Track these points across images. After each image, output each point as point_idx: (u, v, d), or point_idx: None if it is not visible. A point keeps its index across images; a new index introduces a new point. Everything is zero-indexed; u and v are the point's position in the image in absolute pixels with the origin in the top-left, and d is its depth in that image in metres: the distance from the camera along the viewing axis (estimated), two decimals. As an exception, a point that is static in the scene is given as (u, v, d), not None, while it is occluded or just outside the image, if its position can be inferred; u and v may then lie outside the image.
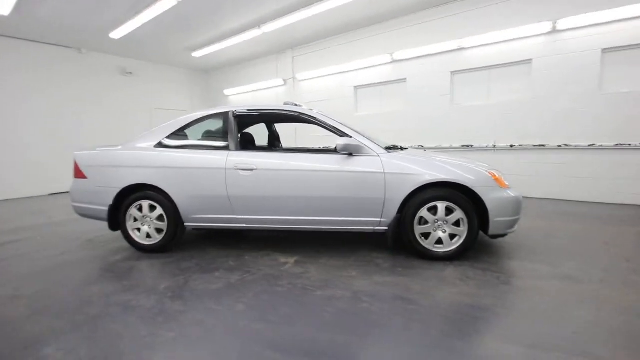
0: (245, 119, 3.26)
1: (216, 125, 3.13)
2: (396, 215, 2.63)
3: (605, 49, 4.60)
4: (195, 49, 7.96)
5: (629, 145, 4.56)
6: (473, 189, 2.53)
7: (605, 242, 3.13)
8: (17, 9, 5.39)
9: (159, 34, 6.87)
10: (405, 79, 6.47)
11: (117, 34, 6.63)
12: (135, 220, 3.03)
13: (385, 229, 2.72)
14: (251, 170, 2.78)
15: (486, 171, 2.65)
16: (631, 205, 4.60)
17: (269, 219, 2.84)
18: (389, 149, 2.86)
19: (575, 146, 4.94)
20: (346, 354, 1.57)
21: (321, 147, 7.34)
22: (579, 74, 4.80)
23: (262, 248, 3.14)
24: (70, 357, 1.58)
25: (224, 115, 3.06)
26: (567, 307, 1.94)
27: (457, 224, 2.61)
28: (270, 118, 3.73)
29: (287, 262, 2.76)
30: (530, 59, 5.14)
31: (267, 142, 4.10)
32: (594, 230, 3.53)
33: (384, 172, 2.62)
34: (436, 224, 2.62)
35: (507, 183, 2.67)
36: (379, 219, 2.70)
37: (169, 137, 3.09)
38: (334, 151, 2.78)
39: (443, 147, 6.09)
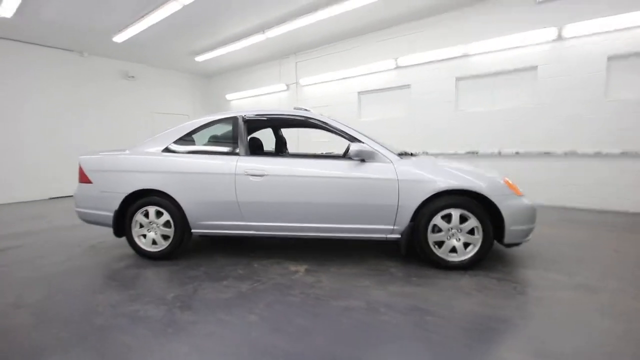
0: (254, 124, 3.22)
1: (225, 130, 3.09)
2: (410, 223, 2.58)
3: (610, 56, 4.61)
4: (198, 53, 7.94)
5: (635, 152, 4.55)
6: (488, 196, 2.48)
7: (615, 250, 3.09)
8: (19, 11, 5.35)
9: (162, 37, 6.85)
10: (410, 85, 6.46)
11: (120, 37, 6.60)
12: (141, 226, 2.96)
13: (398, 237, 2.67)
14: (262, 175, 2.73)
15: (500, 179, 2.61)
16: (637, 213, 4.57)
17: (280, 226, 2.78)
18: (402, 155, 2.82)
19: (581, 153, 4.92)
20: (368, 369, 1.51)
21: (323, 152, 7.31)
22: (585, 81, 4.80)
23: (271, 256, 3.07)
24: (79, 372, 1.51)
25: (233, 120, 3.01)
26: (588, 318, 1.90)
27: (471, 232, 2.56)
28: (279, 123, 3.69)
29: (298, 270, 2.70)
30: (536, 66, 5.15)
31: (274, 147, 4.06)
32: (602, 238, 3.50)
33: (398, 179, 2.57)
34: (450, 232, 2.57)
35: (521, 191, 2.63)
36: (391, 227, 2.65)
37: (177, 142, 3.04)
38: (346, 157, 2.74)
39: (447, 154, 6.06)
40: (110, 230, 3.02)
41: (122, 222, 2.99)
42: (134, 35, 6.50)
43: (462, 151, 5.94)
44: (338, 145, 6.85)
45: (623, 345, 1.65)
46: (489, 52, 5.49)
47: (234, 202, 2.78)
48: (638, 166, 4.57)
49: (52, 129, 7.31)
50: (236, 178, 2.76)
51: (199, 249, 3.33)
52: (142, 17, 5.68)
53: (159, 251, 2.96)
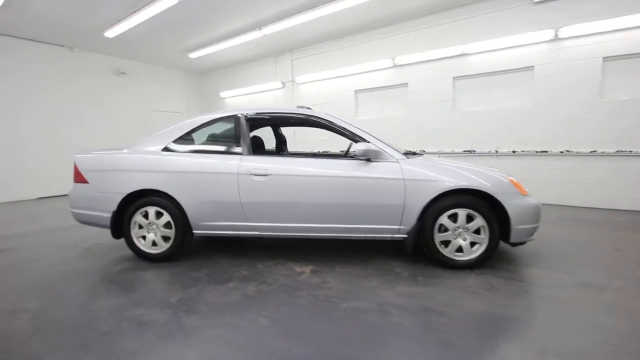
0: (255, 122, 3.16)
1: (226, 128, 3.02)
2: (416, 223, 2.57)
3: (606, 57, 4.68)
4: (192, 49, 7.79)
5: (630, 151, 4.63)
6: (495, 196, 2.49)
7: (616, 249, 3.14)
8: (8, 3, 5.16)
9: (155, 33, 6.69)
10: (407, 83, 6.46)
11: (112, 32, 6.42)
12: (140, 227, 2.88)
13: (404, 237, 2.65)
14: (265, 175, 2.68)
15: (506, 178, 2.62)
16: (632, 210, 4.67)
17: (284, 227, 2.74)
18: (407, 154, 2.80)
19: (577, 152, 5.00)
20: (386, 372, 1.48)
21: (320, 151, 7.27)
22: (581, 82, 4.87)
23: (274, 256, 3.02)
24: (86, 381, 1.45)
25: (235, 118, 2.95)
26: (596, 317, 1.92)
27: (477, 231, 2.56)
28: (281, 121, 3.63)
29: (303, 271, 2.66)
30: (532, 66, 5.20)
31: (273, 145, 4.00)
32: (601, 237, 3.55)
33: (404, 179, 2.56)
34: (456, 232, 2.57)
35: (526, 190, 2.64)
36: (397, 227, 2.63)
37: (177, 140, 2.96)
38: (348, 156, 2.71)
39: (445, 152, 6.09)
40: (106, 231, 2.93)
41: (120, 223, 2.90)
42: (127, 30, 6.33)
43: (459, 150, 5.98)
44: (336, 144, 6.83)
45: (628, 343, 1.67)
46: (486, 51, 5.53)
47: (237, 203, 2.72)
48: (633, 165, 4.66)
49: (40, 126, 7.07)
50: (239, 178, 2.71)
51: (198, 250, 3.26)
52: (136, 11, 5.53)
53: (159, 253, 2.89)
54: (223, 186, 2.72)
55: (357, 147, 2.59)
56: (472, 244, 2.58)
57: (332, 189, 2.63)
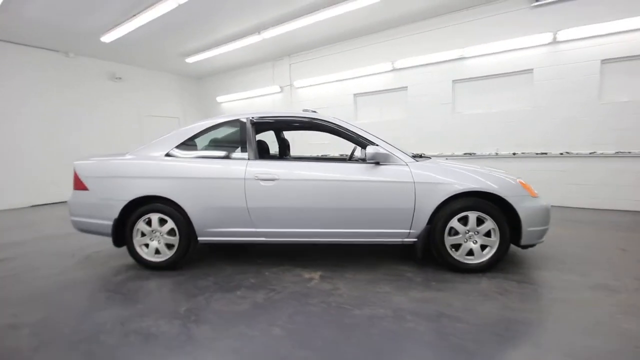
0: (260, 126, 3.11)
1: (231, 133, 2.97)
2: (426, 226, 2.54)
3: (604, 60, 4.73)
4: (189, 54, 7.74)
5: (629, 153, 4.67)
6: (506, 198, 2.47)
7: (622, 249, 3.14)
8: (2, 8, 5.07)
9: (153, 38, 6.63)
10: (406, 87, 6.48)
11: (108, 37, 6.35)
12: (143, 235, 2.80)
13: (414, 240, 2.62)
14: (273, 180, 2.63)
15: (515, 180, 2.60)
16: (632, 211, 4.70)
17: (292, 232, 2.68)
18: (416, 157, 2.78)
19: (577, 154, 5.03)
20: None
21: (319, 155, 7.24)
22: (579, 84, 4.91)
23: (280, 263, 2.96)
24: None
25: (240, 123, 2.90)
26: (616, 320, 1.89)
27: (487, 234, 2.54)
28: (285, 125, 3.59)
29: (312, 277, 2.61)
30: (532, 69, 5.24)
31: (276, 150, 3.95)
32: (605, 237, 3.55)
33: (414, 182, 2.53)
34: (467, 235, 2.54)
35: (536, 192, 2.63)
36: (408, 230, 2.59)
37: (180, 146, 2.90)
38: (357, 160, 2.67)
39: (445, 155, 6.09)
40: (105, 239, 2.85)
41: (121, 231, 2.83)
42: (123, 35, 6.26)
43: (460, 152, 5.99)
44: (337, 148, 6.81)
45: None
46: (485, 55, 5.56)
47: (243, 208, 2.66)
48: (632, 166, 4.70)
49: (34, 131, 6.94)
50: (246, 183, 2.65)
51: (202, 258, 3.19)
52: (134, 16, 5.47)
53: (162, 261, 2.81)
54: (229, 192, 2.67)
55: (367, 151, 2.56)
56: (483, 247, 2.56)
57: (342, 193, 2.58)
